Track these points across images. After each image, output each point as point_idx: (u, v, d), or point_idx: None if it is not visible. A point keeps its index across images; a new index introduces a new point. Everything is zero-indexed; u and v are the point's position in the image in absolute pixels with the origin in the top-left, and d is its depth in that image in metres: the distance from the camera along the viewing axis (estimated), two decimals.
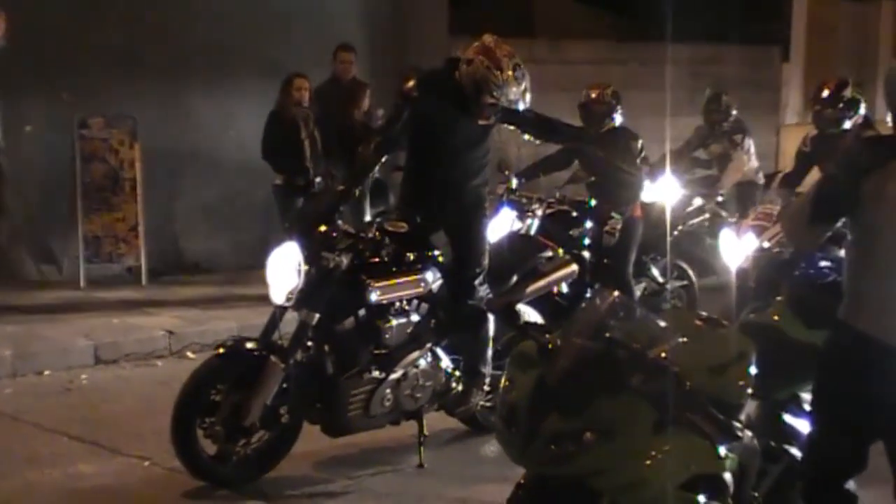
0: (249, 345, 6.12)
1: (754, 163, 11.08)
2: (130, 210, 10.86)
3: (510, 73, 6.52)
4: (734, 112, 10.95)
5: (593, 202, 9.12)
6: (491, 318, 6.57)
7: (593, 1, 19.92)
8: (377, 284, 6.15)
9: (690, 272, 9.94)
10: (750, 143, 10.96)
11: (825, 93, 8.05)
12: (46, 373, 8.39)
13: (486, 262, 6.59)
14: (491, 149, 6.86)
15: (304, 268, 6.00)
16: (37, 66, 10.43)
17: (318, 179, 10.16)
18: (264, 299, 9.15)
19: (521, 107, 6.62)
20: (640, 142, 9.22)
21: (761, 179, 11.07)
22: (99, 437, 6.83)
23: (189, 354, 8.88)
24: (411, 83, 7.23)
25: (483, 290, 6.57)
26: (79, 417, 7.24)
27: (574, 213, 9.11)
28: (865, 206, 3.92)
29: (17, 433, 6.98)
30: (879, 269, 4.00)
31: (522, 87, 6.57)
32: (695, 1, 16.54)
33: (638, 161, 9.11)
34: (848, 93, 7.97)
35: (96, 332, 9.03)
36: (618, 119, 9.21)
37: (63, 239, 10.76)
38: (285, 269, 6.06)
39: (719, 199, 10.53)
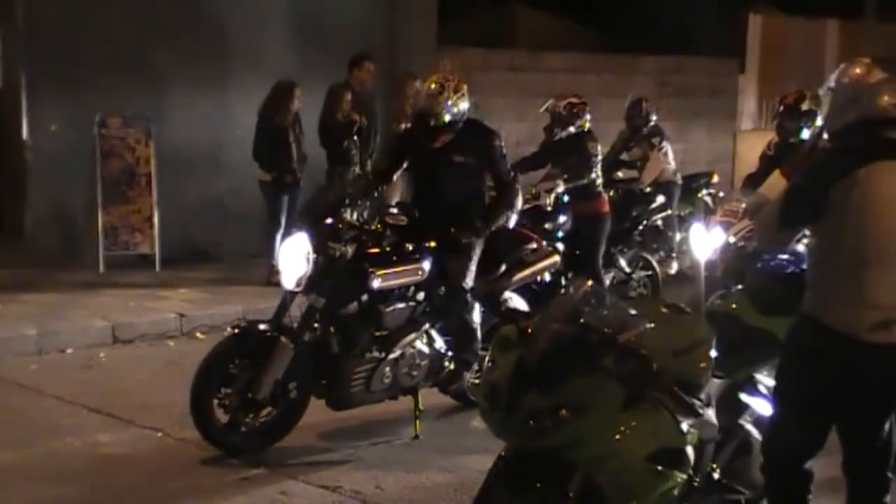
0: (262, 326, 6.16)
1: (672, 164, 11.09)
2: (145, 203, 10.88)
3: (428, 89, 6.70)
4: (654, 118, 10.95)
5: (566, 199, 9.23)
6: (476, 305, 6.60)
7: (570, 15, 19.86)
8: (379, 272, 6.17)
9: (654, 263, 10.06)
10: (667, 147, 10.95)
11: (785, 105, 8.06)
12: (68, 350, 8.39)
13: (470, 280, 6.53)
14: (483, 186, 6.84)
15: (312, 256, 6.02)
16: (59, 70, 10.44)
17: (301, 177, 10.23)
18: (267, 285, 9.37)
19: (459, 110, 6.64)
20: (597, 145, 9.31)
21: (679, 180, 11.11)
22: (115, 409, 6.83)
23: (198, 335, 8.87)
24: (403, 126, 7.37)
25: (471, 284, 6.56)
26: (97, 392, 7.24)
27: (549, 209, 9.20)
28: (832, 212, 3.97)
29: (41, 405, 6.99)
30: (843, 268, 4.04)
31: (444, 96, 6.59)
32: (661, 16, 16.64)
33: (592, 163, 9.20)
34: (805, 105, 8.00)
35: (114, 314, 9.03)
36: (584, 123, 9.31)
37: (83, 228, 10.73)
38: (295, 257, 6.08)
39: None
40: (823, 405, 4.14)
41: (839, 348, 4.02)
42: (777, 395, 4.38)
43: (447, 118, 6.59)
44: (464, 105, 6.68)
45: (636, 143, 10.92)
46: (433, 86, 6.69)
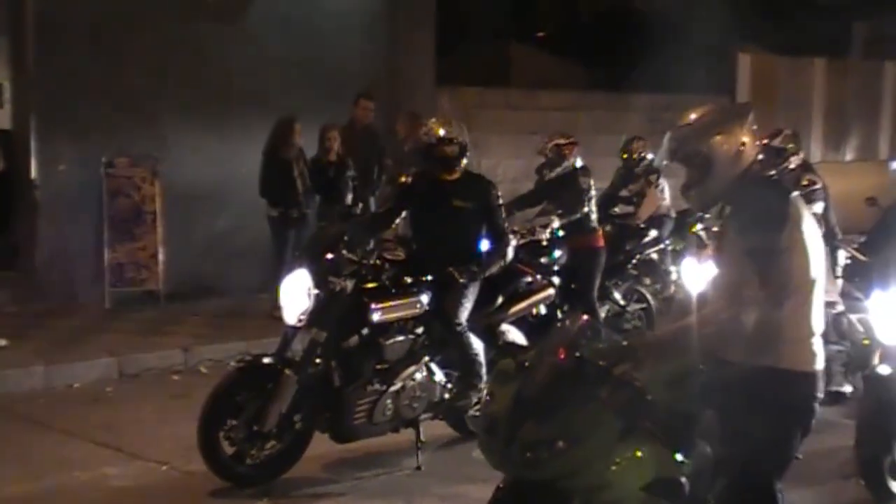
0: (266, 360, 6.18)
1: (667, 200, 11.15)
2: (151, 240, 10.90)
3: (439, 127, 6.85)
4: (648, 156, 11.03)
5: (561, 233, 9.27)
6: (472, 336, 6.60)
7: (564, 53, 20.00)
8: (378, 306, 6.21)
9: (649, 296, 10.08)
10: (663, 183, 11.02)
11: (760, 144, 8.15)
12: (76, 385, 8.39)
13: (464, 317, 6.55)
14: (479, 231, 6.88)
15: (313, 291, 6.06)
16: (68, 112, 10.52)
17: (308, 211, 10.26)
18: (270, 320, 9.38)
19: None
20: (590, 180, 9.33)
21: (673, 214, 11.16)
22: (122, 443, 6.84)
23: (202, 370, 8.86)
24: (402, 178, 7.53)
25: (464, 321, 6.57)
26: (104, 425, 7.24)
27: (544, 243, 9.23)
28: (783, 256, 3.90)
29: (49, 439, 6.98)
30: (795, 307, 4.01)
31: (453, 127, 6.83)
32: (653, 55, 16.77)
33: (585, 197, 9.25)
34: (777, 142, 8.06)
35: (120, 349, 9.03)
36: (570, 164, 9.36)
37: (91, 265, 10.74)
38: (297, 292, 6.12)
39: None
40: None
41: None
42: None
43: (464, 142, 6.76)
44: (466, 138, 6.84)
45: (633, 181, 11.00)
46: (441, 119, 7.00)
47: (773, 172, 7.85)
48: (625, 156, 11.22)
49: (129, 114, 10.74)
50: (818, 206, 7.80)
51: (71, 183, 10.68)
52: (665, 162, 4.35)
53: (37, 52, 10.63)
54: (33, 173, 10.71)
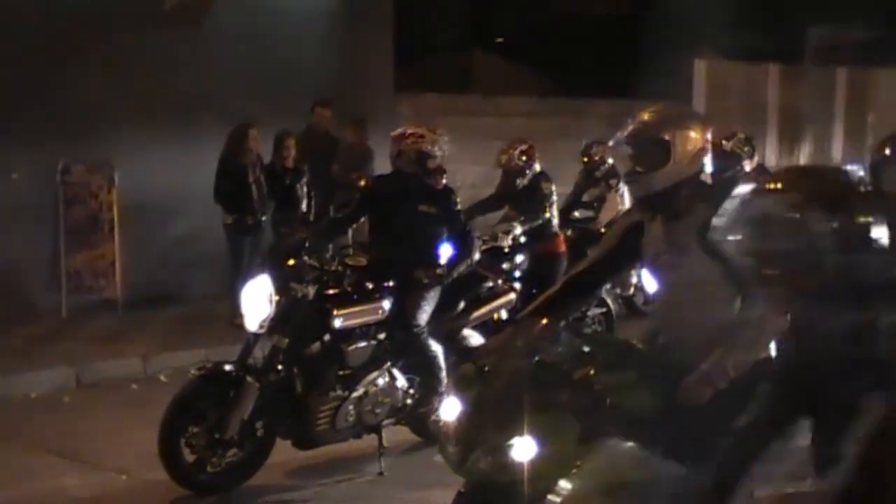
0: (228, 367, 6.15)
1: (627, 205, 11.22)
2: (108, 248, 10.87)
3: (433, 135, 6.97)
4: (609, 160, 11.08)
5: (523, 239, 9.29)
6: (432, 341, 6.62)
7: (524, 60, 20.10)
8: (340, 312, 6.22)
9: (609, 299, 10.11)
10: (623, 188, 11.09)
11: (713, 142, 8.17)
12: (33, 395, 8.32)
13: (423, 319, 6.59)
14: (441, 235, 6.90)
15: (275, 298, 6.05)
16: (24, 119, 10.41)
17: (263, 219, 10.26)
18: (229, 327, 9.35)
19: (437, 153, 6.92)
20: (551, 185, 9.40)
21: None
22: (80, 453, 6.80)
23: (162, 378, 8.78)
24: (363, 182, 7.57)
25: (423, 323, 6.61)
26: (62, 435, 7.19)
27: (506, 249, 9.26)
28: None
29: (7, 450, 6.90)
30: None
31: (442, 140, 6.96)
32: (610, 62, 16.91)
33: (547, 203, 9.31)
34: (728, 146, 8.11)
35: (78, 358, 8.97)
36: (532, 171, 9.39)
37: (47, 273, 10.68)
38: (258, 299, 6.11)
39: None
40: None
41: None
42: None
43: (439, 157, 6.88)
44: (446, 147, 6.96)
45: (594, 185, 11.04)
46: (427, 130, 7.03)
47: (727, 175, 7.92)
48: (585, 160, 11.29)
49: (86, 121, 10.67)
50: None
51: (26, 191, 10.58)
52: (620, 141, 4.34)
53: None
54: None
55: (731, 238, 3.05)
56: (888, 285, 2.90)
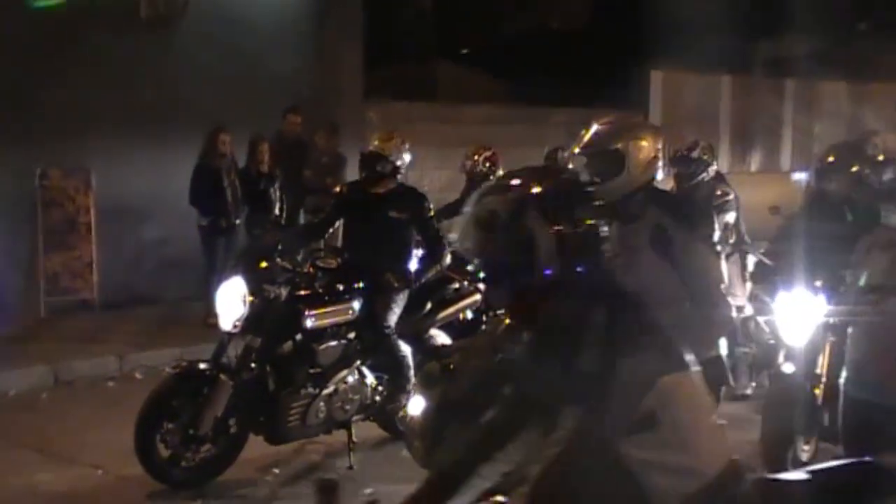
0: (202, 365, 6.16)
1: None
2: (86, 249, 10.80)
3: (381, 135, 7.10)
4: (570, 166, 11.07)
5: None
6: (400, 341, 6.64)
7: (487, 69, 20.13)
8: (312, 312, 6.23)
9: None
10: None
11: (679, 155, 8.15)
12: (11, 392, 8.27)
13: (392, 320, 6.61)
14: (411, 241, 6.96)
15: (248, 299, 6.06)
16: (1, 125, 10.30)
17: (237, 221, 10.26)
18: (203, 327, 9.33)
19: (403, 160, 6.96)
20: None
21: None
22: (57, 449, 6.78)
23: (137, 376, 8.76)
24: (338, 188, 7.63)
25: (392, 324, 6.63)
26: (39, 432, 7.16)
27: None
28: None
29: None
30: None
31: (394, 142, 6.96)
32: (571, 71, 16.98)
33: None
34: (696, 153, 8.19)
35: (55, 357, 8.93)
36: (495, 176, 9.42)
37: (26, 274, 10.60)
38: (233, 299, 6.12)
39: None
40: None
41: None
42: None
43: (397, 163, 6.82)
44: (407, 157, 6.96)
45: None
46: (384, 134, 7.07)
47: (698, 180, 7.98)
48: (552, 158, 11.30)
49: (63, 126, 10.59)
50: (730, 216, 7.93)
51: (4, 194, 10.49)
52: (576, 152, 4.39)
53: None
54: None
55: (464, 239, 2.89)
56: (611, 292, 2.80)
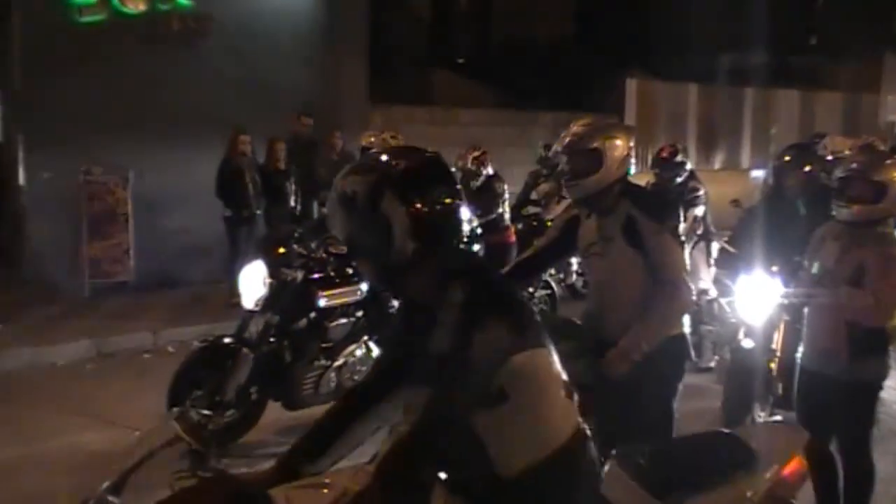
0: (226, 340, 6.17)
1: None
2: (123, 237, 10.80)
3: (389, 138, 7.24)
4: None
5: (479, 231, 9.28)
6: None
7: (479, 77, 20.11)
8: (324, 293, 6.22)
9: (553, 283, 10.17)
10: None
11: (662, 158, 8.18)
12: (59, 363, 8.30)
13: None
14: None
15: (268, 281, 6.07)
16: (51, 128, 10.40)
17: (258, 212, 10.25)
18: (227, 306, 9.32)
19: None
20: (504, 184, 9.45)
21: None
22: (99, 413, 6.78)
23: (169, 349, 8.77)
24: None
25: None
26: (83, 398, 7.19)
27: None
28: None
29: (36, 411, 6.91)
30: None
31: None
32: (555, 78, 16.94)
33: (500, 200, 9.34)
34: (679, 157, 8.20)
35: (97, 332, 8.95)
36: (486, 173, 9.44)
37: (72, 260, 10.60)
38: (254, 281, 6.12)
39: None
40: None
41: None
42: None
43: None
44: None
45: (546, 181, 11.06)
46: (390, 136, 7.00)
47: (679, 181, 7.99)
48: (542, 155, 11.28)
49: (104, 129, 10.60)
50: (700, 210, 7.93)
51: (53, 189, 10.54)
52: (559, 150, 4.38)
53: (23, 78, 10.54)
54: (21, 181, 10.60)
55: (331, 217, 2.63)
56: (466, 271, 2.54)
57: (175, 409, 2.70)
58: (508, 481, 2.50)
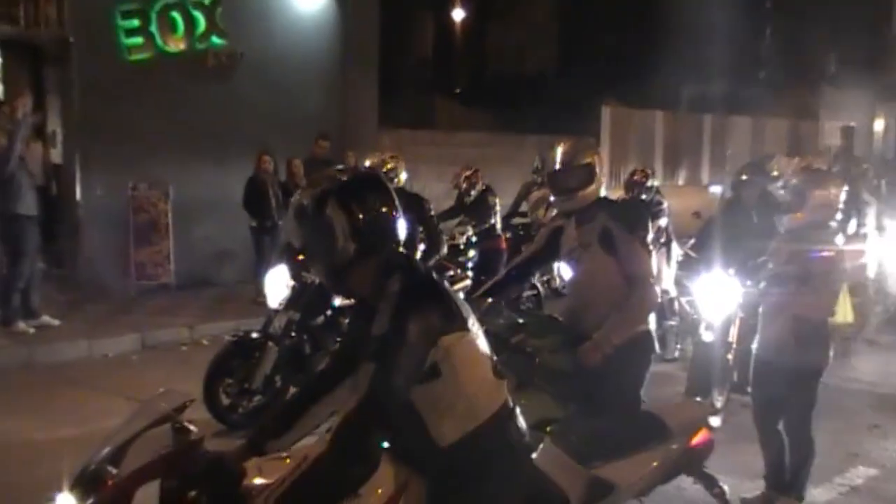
0: (254, 334, 6.16)
1: (554, 213, 11.05)
2: (165, 244, 10.75)
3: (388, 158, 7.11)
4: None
5: (474, 239, 9.30)
6: None
7: (474, 104, 20.15)
8: None
9: (538, 284, 10.14)
10: None
11: (636, 179, 8.19)
12: (109, 354, 8.28)
13: None
14: (416, 235, 6.76)
15: (290, 283, 6.06)
16: (103, 150, 10.42)
17: (280, 222, 10.13)
18: (253, 304, 9.31)
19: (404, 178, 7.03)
20: (496, 198, 9.43)
21: None
22: (143, 397, 6.65)
23: (204, 342, 8.73)
24: None
25: None
26: (131, 385, 7.10)
27: (461, 246, 9.26)
28: None
29: (92, 395, 6.92)
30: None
31: (400, 161, 7.09)
32: (540, 106, 16.93)
33: (492, 212, 9.34)
34: (649, 182, 8.23)
35: (142, 327, 8.92)
36: (480, 188, 9.44)
37: (120, 264, 10.56)
38: (278, 283, 6.12)
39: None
40: None
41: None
42: None
43: (403, 179, 6.86)
44: (404, 175, 6.98)
45: (537, 189, 11.02)
46: (390, 157, 7.05)
47: (643, 199, 8.00)
48: (539, 165, 11.28)
49: (148, 151, 10.61)
50: (663, 221, 7.93)
51: (105, 203, 10.51)
52: (557, 168, 4.32)
53: (81, 108, 10.50)
54: (77, 196, 10.57)
55: (289, 231, 2.74)
56: (403, 268, 2.58)
57: (162, 389, 2.82)
58: (445, 449, 2.54)
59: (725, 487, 3.31)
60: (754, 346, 4.87)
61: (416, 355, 2.42)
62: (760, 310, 4.85)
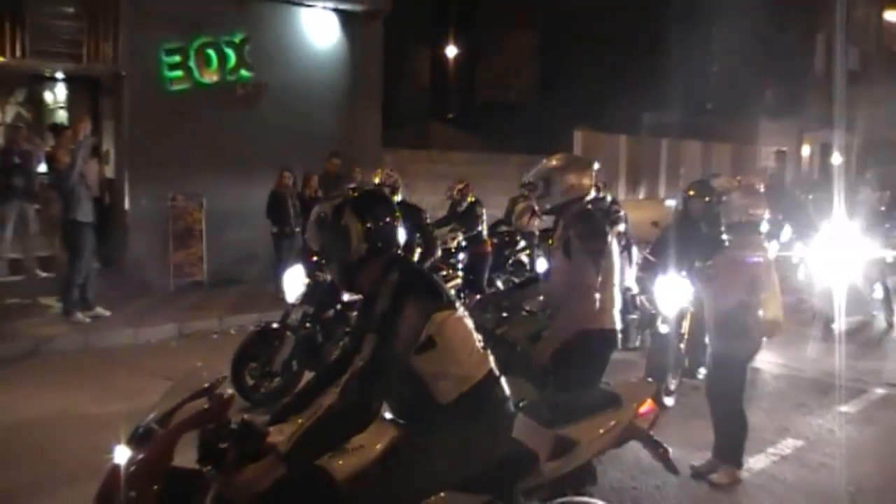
0: (274, 325, 6.14)
1: (537, 221, 10.33)
2: (199, 247, 10.75)
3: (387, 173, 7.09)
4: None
5: (464, 244, 9.29)
6: None
7: (465, 128, 20.16)
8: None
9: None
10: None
11: (595, 196, 8.22)
12: (152, 341, 8.27)
13: None
14: (413, 242, 6.75)
15: (305, 281, 6.06)
16: (148, 167, 10.43)
17: (297, 229, 10.13)
18: (274, 300, 9.22)
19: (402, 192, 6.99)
20: (483, 208, 9.44)
21: (537, 231, 10.49)
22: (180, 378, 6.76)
23: (231, 332, 8.71)
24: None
25: None
26: (169, 367, 7.03)
27: (452, 250, 9.25)
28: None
29: (136, 377, 6.89)
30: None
31: (398, 177, 7.05)
32: (522, 130, 16.92)
33: (480, 220, 9.33)
34: (604, 193, 8.21)
35: (179, 318, 8.90)
36: (469, 200, 9.45)
37: (161, 264, 10.56)
38: (295, 281, 6.11)
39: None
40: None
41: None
42: None
43: (400, 194, 6.84)
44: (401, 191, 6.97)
45: (523, 201, 10.99)
46: (390, 170, 7.08)
47: (599, 206, 7.98)
48: (527, 182, 11.19)
49: (186, 167, 10.60)
50: (621, 226, 7.93)
51: (149, 211, 10.50)
52: (530, 178, 4.33)
53: (129, 130, 10.51)
54: (126, 205, 10.57)
55: (310, 238, 2.92)
56: (400, 263, 2.76)
57: (198, 364, 3.03)
58: (446, 406, 2.67)
59: (669, 449, 3.35)
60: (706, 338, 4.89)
61: (412, 327, 2.56)
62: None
